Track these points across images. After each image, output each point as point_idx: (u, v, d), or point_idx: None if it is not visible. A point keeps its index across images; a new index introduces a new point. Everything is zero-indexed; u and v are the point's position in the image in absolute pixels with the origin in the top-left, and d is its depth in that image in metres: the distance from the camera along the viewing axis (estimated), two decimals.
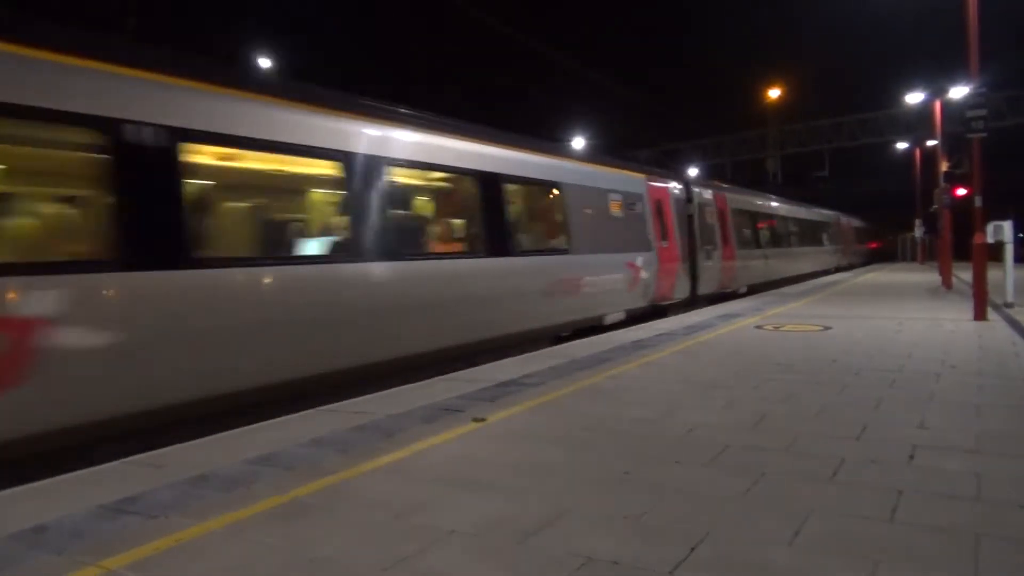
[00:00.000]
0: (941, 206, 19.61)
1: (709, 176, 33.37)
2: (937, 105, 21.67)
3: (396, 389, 6.57)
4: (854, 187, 49.20)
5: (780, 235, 24.37)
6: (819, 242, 30.61)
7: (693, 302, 15.69)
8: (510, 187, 9.83)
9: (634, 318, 12.48)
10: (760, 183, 33.27)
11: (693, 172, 35.53)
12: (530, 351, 9.07)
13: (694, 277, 16.01)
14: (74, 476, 4.12)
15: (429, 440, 4.69)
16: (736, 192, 20.89)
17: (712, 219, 17.51)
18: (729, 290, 18.22)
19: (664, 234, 14.48)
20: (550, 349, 9.00)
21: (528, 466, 4.08)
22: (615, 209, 12.55)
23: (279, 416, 5.58)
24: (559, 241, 10.96)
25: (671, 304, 14.62)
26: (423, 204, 9.47)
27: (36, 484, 3.99)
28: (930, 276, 23.02)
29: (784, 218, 25.31)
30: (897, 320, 10.82)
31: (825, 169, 39.06)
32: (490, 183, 9.33)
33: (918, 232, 35.89)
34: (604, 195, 12.23)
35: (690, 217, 16.17)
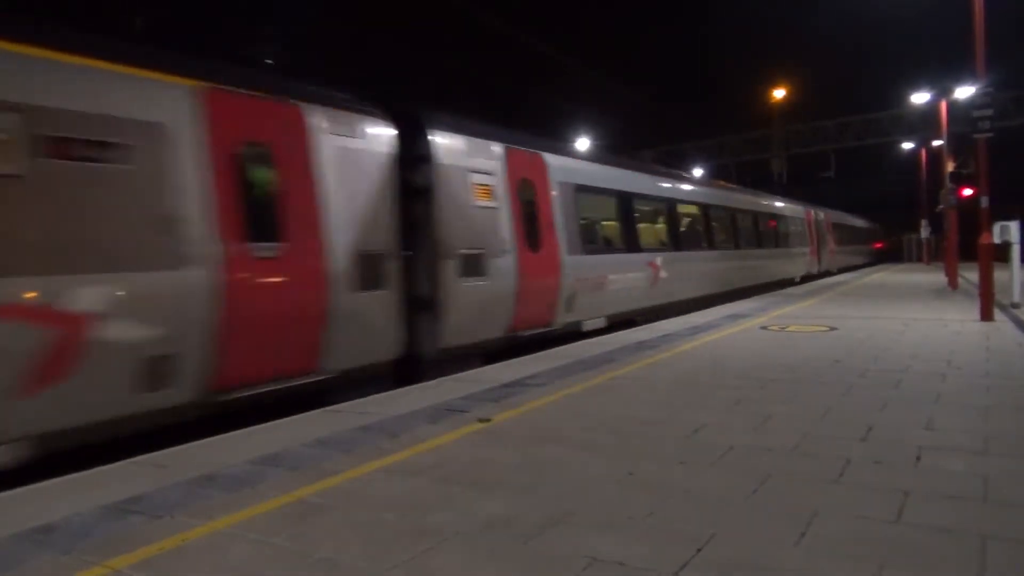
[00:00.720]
0: (947, 206, 19.57)
1: (715, 176, 33.16)
2: (943, 105, 21.61)
3: (400, 390, 6.58)
4: (859, 188, 49.16)
5: (686, 232, 15.42)
6: (767, 242, 21.12)
7: (409, 375, 7.61)
8: None
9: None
10: (765, 184, 33.16)
11: (698, 172, 35.37)
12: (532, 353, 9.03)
13: (430, 314, 8.11)
14: (80, 476, 4.14)
15: (434, 440, 4.69)
16: (576, 157, 12.26)
17: (496, 198, 9.29)
18: (553, 327, 10.18)
19: (278, 228, 6.40)
20: (555, 350, 8.97)
21: (533, 466, 4.08)
22: None
23: (283, 417, 5.59)
24: None
25: (286, 389, 6.38)
26: None
27: (42, 484, 4.00)
28: (936, 277, 22.96)
29: (698, 206, 16.28)
30: (903, 321, 10.79)
31: (830, 170, 39.00)
32: None
33: (924, 232, 35.81)
34: None
35: (418, 192, 8.17)
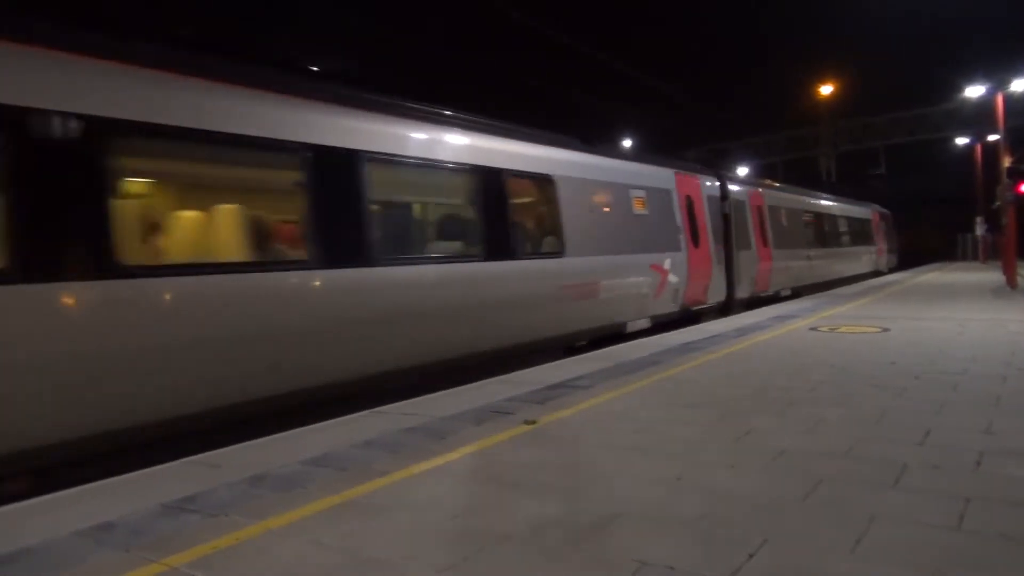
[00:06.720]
0: (1004, 203, 18.93)
1: (761, 175, 32.64)
2: (999, 98, 20.92)
3: (444, 392, 6.61)
4: (911, 184, 47.82)
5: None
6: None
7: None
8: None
9: None
10: (813, 182, 32.49)
11: (743, 171, 34.85)
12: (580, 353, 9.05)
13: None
14: (136, 475, 4.25)
15: (480, 442, 4.71)
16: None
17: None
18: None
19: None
20: (599, 351, 8.94)
21: (580, 469, 4.06)
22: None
23: (331, 418, 5.66)
24: None
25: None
26: None
27: (100, 483, 4.12)
28: (993, 275, 22.22)
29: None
30: (959, 321, 10.47)
31: (881, 167, 38.03)
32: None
33: (979, 230, 34.71)
34: None
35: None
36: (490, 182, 8.53)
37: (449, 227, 8.64)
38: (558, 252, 9.52)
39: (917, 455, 4.08)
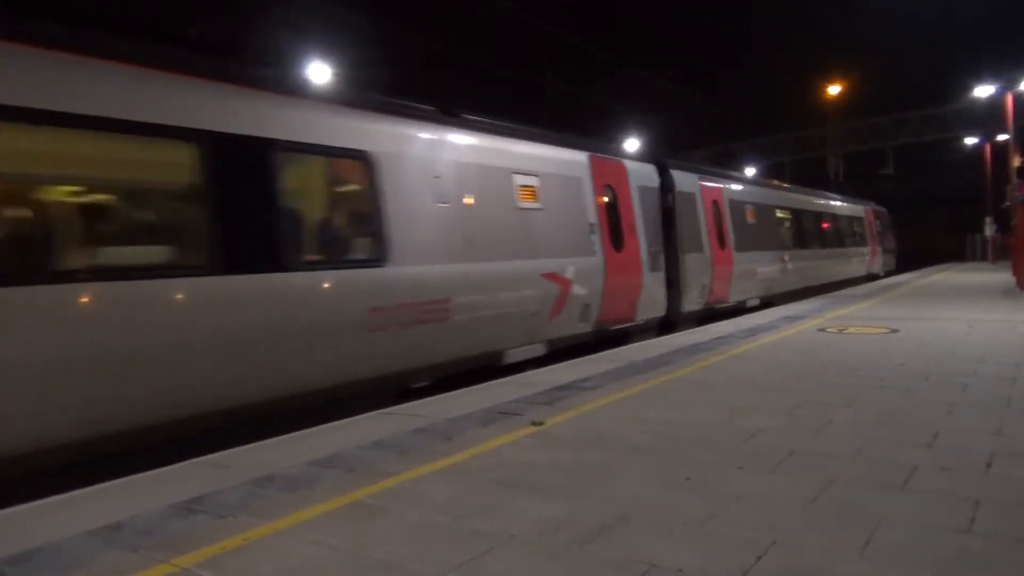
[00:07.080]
0: (1014, 203, 18.84)
1: (767, 175, 32.53)
2: (1009, 98, 20.82)
3: (452, 393, 6.61)
4: (919, 184, 47.61)
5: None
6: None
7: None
8: None
9: None
10: (821, 182, 32.38)
11: (751, 171, 34.75)
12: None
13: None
14: (144, 476, 4.26)
15: (487, 443, 4.71)
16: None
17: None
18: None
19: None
20: (607, 352, 8.93)
21: (587, 470, 4.06)
22: None
23: (338, 419, 5.67)
24: None
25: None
26: None
27: (109, 483, 4.13)
28: (1002, 276, 22.09)
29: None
30: (968, 322, 10.41)
31: (889, 167, 37.88)
32: None
33: (989, 230, 34.52)
34: None
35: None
36: (241, 157, 5.95)
37: (152, 224, 5.84)
38: (376, 260, 6.92)
39: (926, 457, 4.07)
